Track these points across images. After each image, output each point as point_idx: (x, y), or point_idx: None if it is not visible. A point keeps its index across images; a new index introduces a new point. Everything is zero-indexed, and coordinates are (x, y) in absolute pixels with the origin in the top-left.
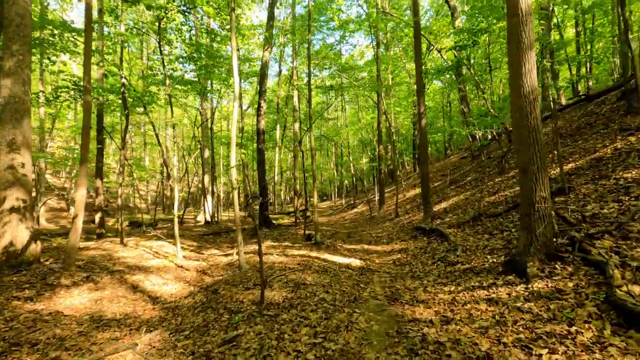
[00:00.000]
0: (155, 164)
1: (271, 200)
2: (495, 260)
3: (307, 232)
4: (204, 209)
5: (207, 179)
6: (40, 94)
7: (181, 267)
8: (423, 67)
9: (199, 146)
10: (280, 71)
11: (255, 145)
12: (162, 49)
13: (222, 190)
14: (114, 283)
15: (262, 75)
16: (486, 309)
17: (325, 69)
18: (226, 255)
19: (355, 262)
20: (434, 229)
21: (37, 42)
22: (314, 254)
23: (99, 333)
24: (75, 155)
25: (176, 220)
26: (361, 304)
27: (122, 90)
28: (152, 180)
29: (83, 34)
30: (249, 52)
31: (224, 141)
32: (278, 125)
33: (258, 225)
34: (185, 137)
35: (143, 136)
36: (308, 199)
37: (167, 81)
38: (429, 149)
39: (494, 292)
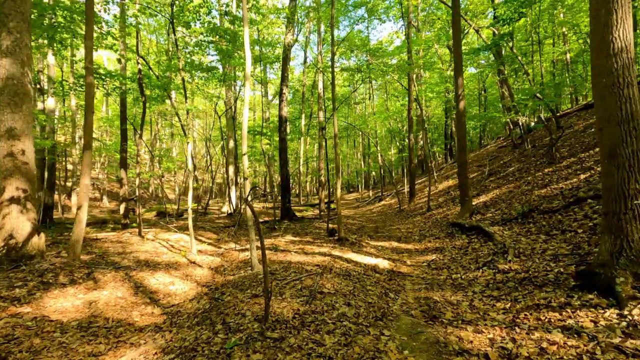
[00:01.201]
0: (184, 155)
1: (296, 192)
2: (562, 270)
3: (330, 226)
4: (229, 200)
5: (231, 169)
6: (64, 83)
7: (194, 263)
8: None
9: (224, 136)
10: (305, 59)
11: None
12: (174, 27)
13: (248, 182)
14: (116, 281)
15: (285, 60)
16: (564, 343)
17: (352, 56)
18: (243, 250)
19: (383, 263)
20: (475, 226)
21: (48, 25)
22: (336, 252)
23: (81, 346)
24: (104, 146)
25: (190, 213)
26: (391, 322)
27: (138, 76)
28: (180, 171)
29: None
30: (273, 38)
31: (248, 131)
32: (303, 115)
33: (276, 219)
34: (214, 128)
35: (171, 127)
36: (332, 190)
37: (180, 63)
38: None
39: (570, 317)
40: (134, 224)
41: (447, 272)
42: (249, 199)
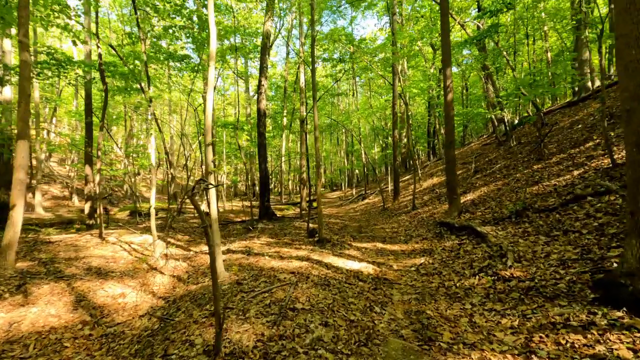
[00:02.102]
0: (162, 152)
1: (279, 190)
2: (574, 277)
3: (311, 226)
4: (206, 199)
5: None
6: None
7: (155, 269)
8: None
9: (202, 132)
10: (287, 54)
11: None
12: (135, 4)
13: (225, 179)
14: (53, 294)
15: (264, 49)
16: None
17: (336, 51)
18: None
19: (367, 268)
20: (465, 225)
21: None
22: (315, 256)
23: None
24: (74, 141)
25: (153, 213)
26: (377, 346)
27: (98, 62)
28: (158, 168)
29: None
30: (252, 29)
31: (226, 126)
32: (285, 111)
33: (253, 218)
34: (191, 124)
35: (146, 122)
36: (315, 188)
37: (143, 46)
38: (442, 139)
39: (599, 341)
40: (105, 225)
41: (438, 278)
42: (217, 193)
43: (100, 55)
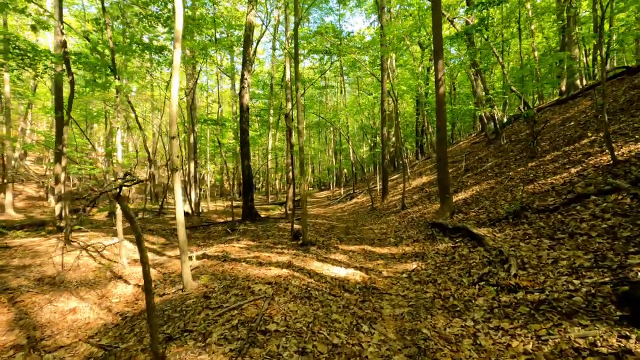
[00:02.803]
0: (144, 150)
1: (265, 189)
2: (591, 289)
3: (296, 227)
4: (189, 199)
5: (192, 166)
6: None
7: (120, 277)
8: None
9: (185, 130)
10: (274, 51)
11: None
12: None
13: (209, 179)
14: None
15: (246, 41)
16: None
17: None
18: (189, 258)
19: (355, 275)
20: (459, 227)
21: None
22: (298, 261)
23: None
24: (45, 139)
25: (119, 215)
26: None
27: (63, 50)
28: (142, 167)
29: None
30: (236, 22)
31: (207, 121)
32: (272, 109)
33: (235, 219)
34: (178, 123)
35: (127, 120)
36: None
37: (108, 32)
38: (430, 137)
39: None
40: (77, 226)
41: (433, 287)
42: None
43: (64, 43)
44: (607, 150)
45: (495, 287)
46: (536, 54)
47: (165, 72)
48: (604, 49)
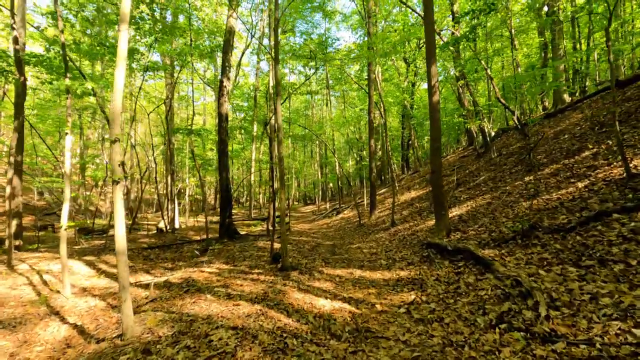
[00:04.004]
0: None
1: (249, 204)
2: None
3: (276, 246)
4: (167, 213)
5: (170, 179)
6: None
7: (57, 313)
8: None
9: (164, 141)
10: (258, 62)
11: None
12: None
13: (188, 192)
14: None
15: (226, 46)
16: None
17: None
18: (147, 286)
19: (342, 311)
20: (461, 248)
21: None
22: (275, 292)
23: None
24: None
25: (64, 235)
26: None
27: (13, 47)
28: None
29: None
30: (216, 25)
31: (182, 132)
32: (256, 124)
33: (209, 237)
34: (156, 133)
35: (102, 129)
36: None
37: (60, 23)
38: (416, 152)
39: None
40: (34, 245)
41: (440, 329)
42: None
43: (16, 39)
44: (614, 163)
45: (523, 334)
46: (520, 69)
47: (142, 79)
48: (594, 62)
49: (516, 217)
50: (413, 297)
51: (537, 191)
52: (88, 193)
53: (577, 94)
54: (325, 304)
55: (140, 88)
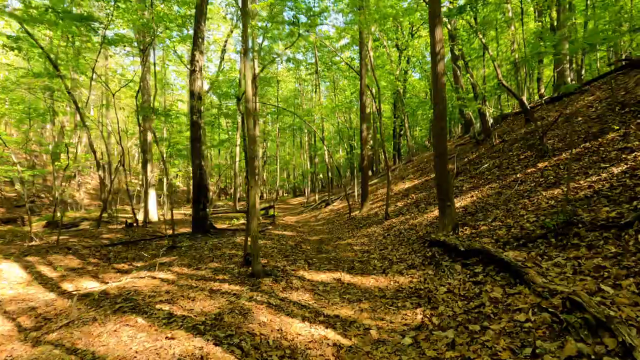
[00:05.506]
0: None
1: (233, 195)
2: None
3: (249, 244)
4: (145, 207)
5: (149, 168)
6: None
7: None
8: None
9: (140, 128)
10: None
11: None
12: None
13: (166, 182)
14: None
15: (198, 13)
16: None
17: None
18: (86, 295)
19: (324, 340)
20: (478, 249)
21: None
22: (232, 314)
23: None
24: None
25: None
26: None
27: None
28: (89, 170)
29: None
30: None
31: (147, 112)
32: (241, 106)
33: (176, 233)
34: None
35: (74, 116)
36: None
37: None
38: (409, 141)
39: None
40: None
41: None
42: None
43: None
44: None
45: None
46: (517, 55)
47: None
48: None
49: (538, 209)
50: (420, 317)
51: (557, 178)
52: (64, 184)
53: (582, 77)
54: (300, 332)
55: (105, 67)
